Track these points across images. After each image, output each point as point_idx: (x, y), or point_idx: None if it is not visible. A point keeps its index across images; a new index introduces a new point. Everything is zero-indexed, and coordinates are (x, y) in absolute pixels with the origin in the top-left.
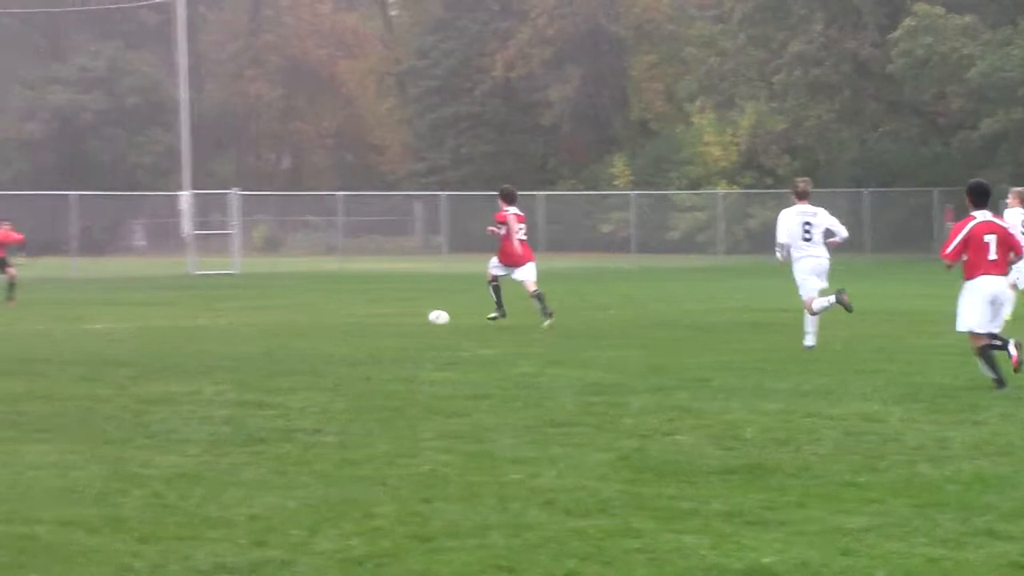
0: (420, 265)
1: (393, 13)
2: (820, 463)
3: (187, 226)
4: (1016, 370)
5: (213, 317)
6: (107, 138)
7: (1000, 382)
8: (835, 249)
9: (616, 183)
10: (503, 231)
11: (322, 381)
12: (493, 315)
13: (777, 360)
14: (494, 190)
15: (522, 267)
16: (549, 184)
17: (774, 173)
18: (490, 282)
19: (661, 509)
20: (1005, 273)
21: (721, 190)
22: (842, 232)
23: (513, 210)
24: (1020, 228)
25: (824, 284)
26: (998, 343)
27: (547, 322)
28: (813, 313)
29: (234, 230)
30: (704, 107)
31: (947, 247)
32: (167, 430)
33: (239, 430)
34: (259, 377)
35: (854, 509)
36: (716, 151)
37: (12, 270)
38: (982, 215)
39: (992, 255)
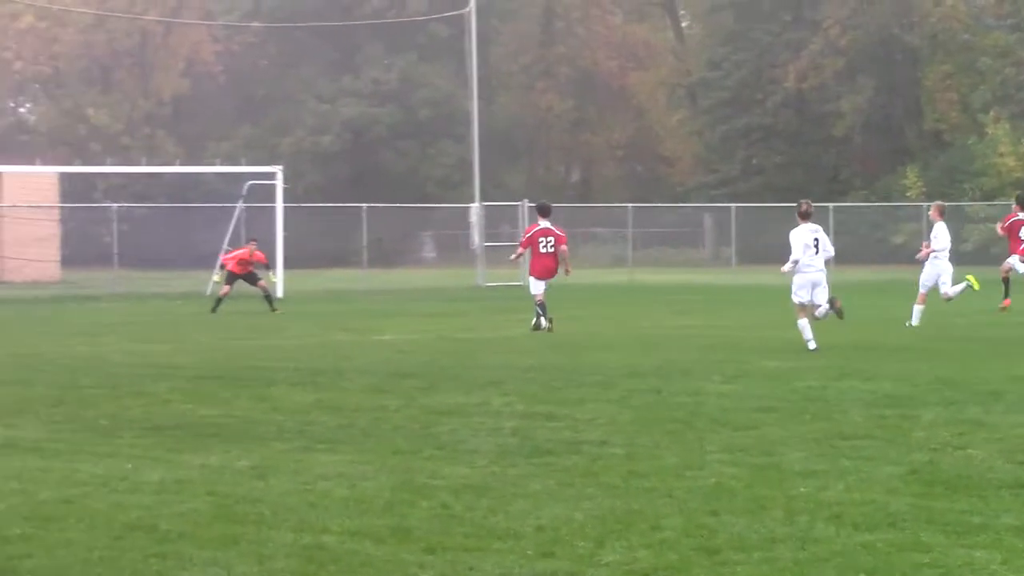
0: (709, 277)
1: (685, 24)
2: None
3: (477, 238)
4: None
5: (501, 328)
6: (399, 151)
7: None
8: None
9: (908, 194)
10: (518, 252)
11: (610, 393)
12: (545, 326)
13: None
14: (785, 202)
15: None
16: (840, 195)
17: None
18: (537, 303)
19: (951, 523)
20: None
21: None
22: (831, 251)
23: (545, 223)
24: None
25: (821, 293)
26: None
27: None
28: (816, 318)
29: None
30: (999, 117)
31: None
32: (455, 441)
33: (526, 441)
34: (547, 389)
35: None
36: (1010, 162)
37: (262, 282)
38: None
39: None
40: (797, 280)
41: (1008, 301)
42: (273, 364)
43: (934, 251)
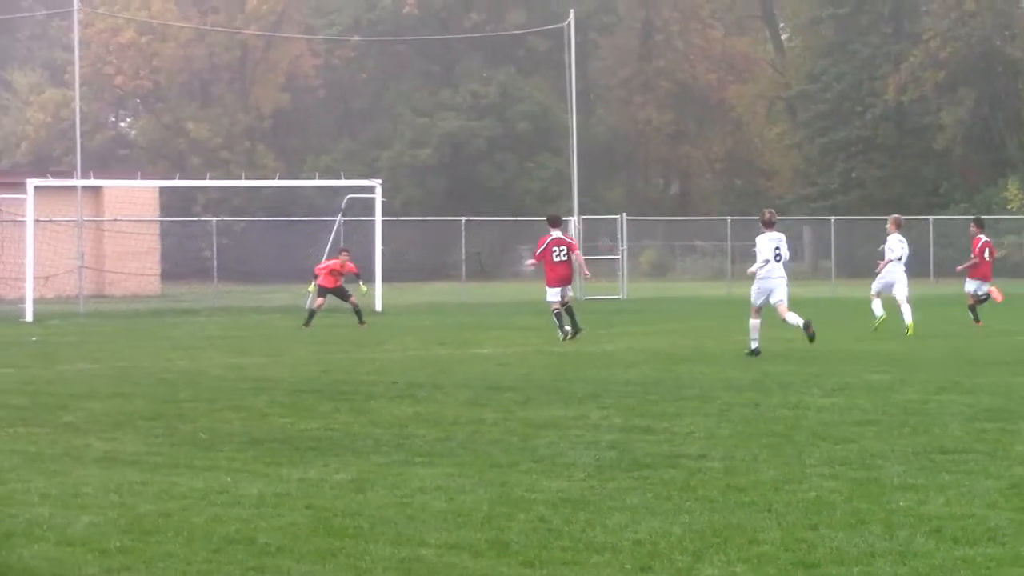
0: (808, 290)
1: (784, 37)
2: None
3: None
4: None
5: (599, 342)
6: (497, 164)
7: None
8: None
9: (1009, 207)
10: (532, 262)
11: (708, 406)
12: (570, 333)
13: None
14: (884, 215)
15: (569, 284)
16: (940, 208)
17: None
18: (554, 311)
19: None
20: None
21: None
22: (786, 256)
23: (556, 233)
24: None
25: (781, 298)
26: None
27: (572, 334)
28: (789, 314)
29: (622, 255)
30: None
31: None
32: (553, 454)
33: (624, 455)
34: (645, 402)
35: None
36: None
37: (352, 298)
38: None
39: None
40: (757, 284)
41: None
42: (371, 377)
43: (889, 261)
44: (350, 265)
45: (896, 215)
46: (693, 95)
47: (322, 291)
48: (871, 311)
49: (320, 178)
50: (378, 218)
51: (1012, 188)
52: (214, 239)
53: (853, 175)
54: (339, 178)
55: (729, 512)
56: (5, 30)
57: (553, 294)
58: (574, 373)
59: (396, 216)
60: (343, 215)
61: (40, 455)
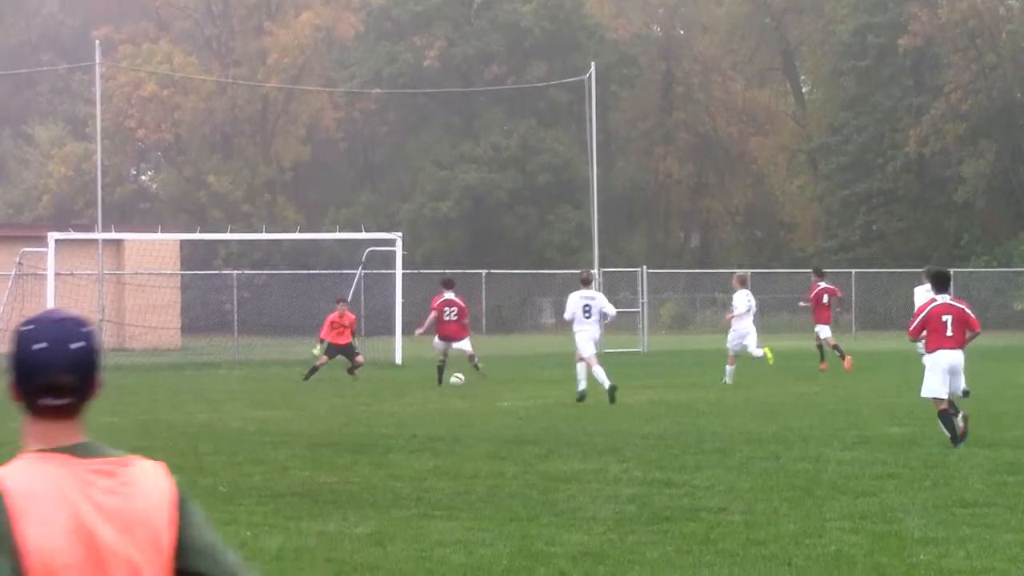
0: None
1: (805, 90)
2: None
3: None
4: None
5: (619, 395)
6: (518, 216)
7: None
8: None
9: None
10: (432, 317)
11: (729, 460)
12: (450, 381)
13: None
14: (905, 267)
15: (461, 340)
16: (962, 260)
17: None
18: (438, 364)
19: None
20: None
21: None
22: (612, 313)
23: (449, 295)
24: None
25: (590, 352)
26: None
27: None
28: (591, 369)
29: (642, 307)
30: None
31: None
32: (573, 508)
33: (644, 508)
34: (665, 455)
35: None
36: None
37: (360, 357)
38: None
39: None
40: (578, 338)
41: (824, 365)
42: (391, 431)
43: (736, 316)
44: (349, 315)
45: (739, 273)
46: (714, 147)
47: (332, 350)
48: (726, 371)
49: (341, 231)
50: (399, 271)
51: None
52: (235, 292)
53: (874, 227)
54: (360, 231)
55: (750, 566)
56: (27, 84)
57: (440, 345)
58: (594, 426)
59: (417, 268)
60: (363, 268)
61: None
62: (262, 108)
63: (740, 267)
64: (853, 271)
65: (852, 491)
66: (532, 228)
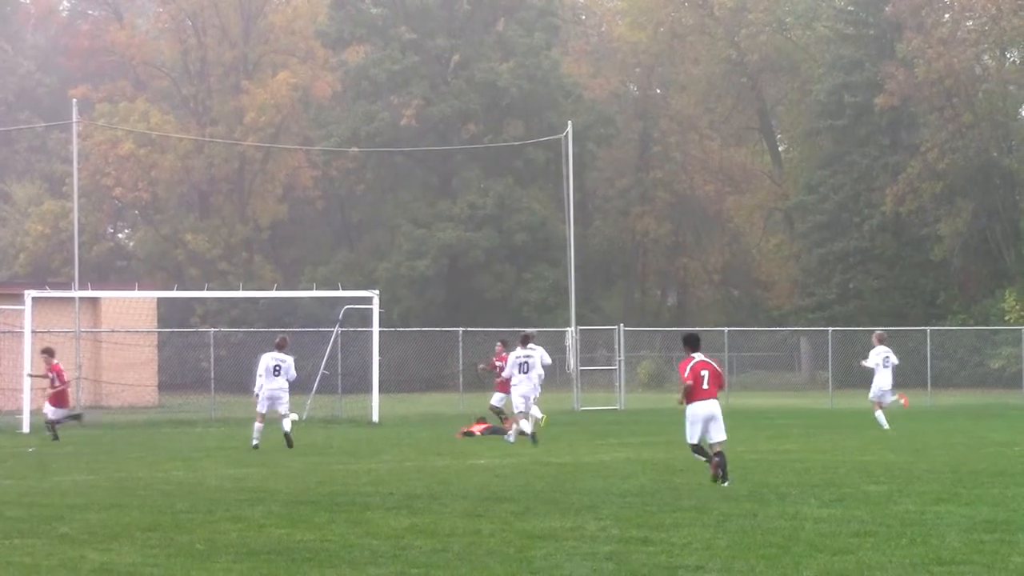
0: (806, 401)
1: (782, 148)
2: None
3: (572, 362)
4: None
5: (597, 452)
6: (495, 274)
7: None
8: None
9: (1007, 318)
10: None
11: (706, 517)
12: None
13: None
14: (882, 326)
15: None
16: (938, 319)
17: None
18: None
19: None
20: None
21: None
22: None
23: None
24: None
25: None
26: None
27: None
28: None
29: (619, 365)
30: None
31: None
32: (550, 566)
33: (622, 566)
34: (642, 512)
35: None
36: None
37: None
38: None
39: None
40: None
41: None
42: (368, 488)
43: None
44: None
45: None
46: (691, 206)
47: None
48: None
49: (318, 289)
50: (375, 329)
51: (1010, 299)
52: (211, 350)
53: (851, 286)
54: (337, 289)
55: None
56: (4, 142)
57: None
58: (571, 484)
59: (394, 327)
60: (340, 326)
61: (36, 567)
62: (239, 167)
63: (719, 326)
64: (830, 329)
65: (829, 549)
66: (509, 286)
